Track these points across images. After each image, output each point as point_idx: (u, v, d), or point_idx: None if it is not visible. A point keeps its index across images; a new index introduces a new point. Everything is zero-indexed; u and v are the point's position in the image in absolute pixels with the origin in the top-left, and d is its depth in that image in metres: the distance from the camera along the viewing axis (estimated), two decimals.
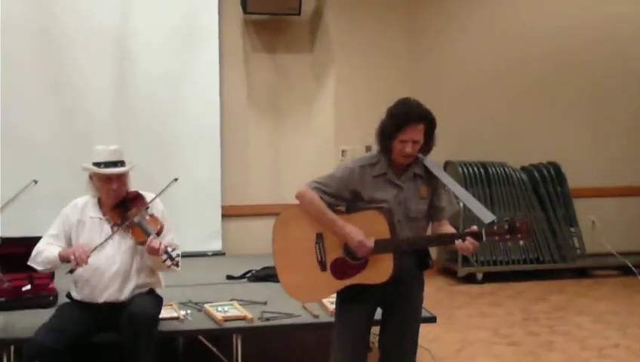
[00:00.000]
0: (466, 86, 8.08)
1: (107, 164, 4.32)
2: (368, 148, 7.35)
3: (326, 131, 7.38)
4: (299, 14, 7.03)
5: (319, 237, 3.64)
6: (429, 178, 3.63)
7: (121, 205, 4.39)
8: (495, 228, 3.38)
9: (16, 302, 4.86)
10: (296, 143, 7.30)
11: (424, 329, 5.46)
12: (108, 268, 4.29)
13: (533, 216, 7.95)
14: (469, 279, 7.79)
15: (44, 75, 6.66)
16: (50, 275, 4.96)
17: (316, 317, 4.70)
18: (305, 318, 4.69)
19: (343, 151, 7.30)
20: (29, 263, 4.35)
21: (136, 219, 4.28)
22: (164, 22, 6.93)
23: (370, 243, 3.49)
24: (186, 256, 4.40)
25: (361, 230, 3.52)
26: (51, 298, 4.96)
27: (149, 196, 4.44)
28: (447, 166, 8.05)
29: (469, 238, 3.40)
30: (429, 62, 7.97)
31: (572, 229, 8.13)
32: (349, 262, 3.58)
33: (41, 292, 4.98)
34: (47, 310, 4.70)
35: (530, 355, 5.47)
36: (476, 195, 7.78)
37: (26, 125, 6.55)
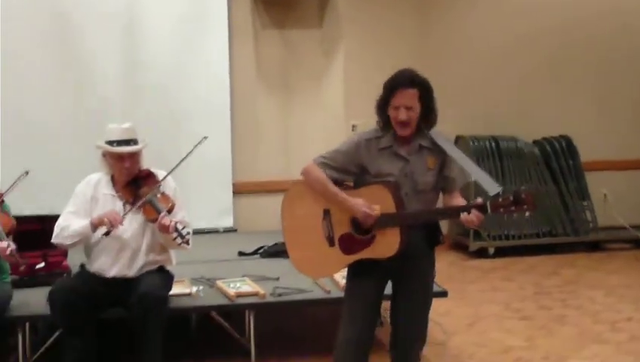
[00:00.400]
0: (475, 61, 8.03)
1: (120, 143, 4.34)
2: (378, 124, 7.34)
3: (336, 106, 7.36)
4: None
5: (326, 213, 3.61)
6: (437, 150, 3.56)
7: (134, 183, 4.42)
8: (500, 200, 3.31)
9: (30, 279, 4.90)
10: (306, 119, 7.29)
11: (435, 304, 5.46)
12: (117, 243, 4.33)
13: (545, 189, 7.93)
14: (481, 253, 7.79)
15: (54, 53, 6.65)
16: (64, 253, 4.99)
17: (328, 292, 4.72)
18: (317, 294, 4.71)
19: (353, 126, 7.27)
20: (53, 241, 4.38)
21: (147, 197, 4.31)
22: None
23: (375, 212, 3.45)
24: (197, 232, 4.44)
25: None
26: (65, 275, 5.00)
27: (161, 174, 4.46)
28: (459, 140, 8.02)
29: (473, 211, 3.35)
30: (438, 38, 7.92)
31: (584, 203, 8.10)
32: (356, 237, 3.56)
33: (55, 270, 5.03)
34: None
35: (543, 329, 5.48)
36: (488, 170, 7.77)
37: (37, 104, 6.56)
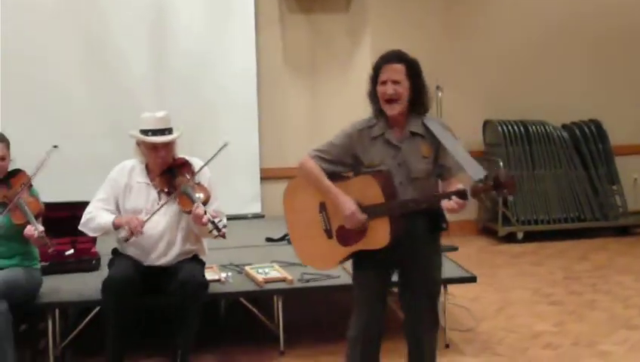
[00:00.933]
0: (505, 44, 7.96)
1: (155, 132, 4.34)
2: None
3: (362, 91, 7.28)
4: None
5: (322, 206, 3.59)
6: (431, 137, 3.47)
7: (169, 172, 4.41)
8: (481, 185, 3.21)
9: (59, 266, 4.95)
10: (333, 104, 7.26)
11: (464, 289, 5.52)
12: (153, 232, 4.34)
13: (575, 174, 7.87)
14: (510, 238, 7.75)
15: (85, 40, 6.70)
16: (93, 239, 5.02)
17: None
18: (344, 279, 4.69)
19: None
20: (80, 228, 4.42)
21: (182, 188, 4.30)
22: None
23: (361, 216, 3.41)
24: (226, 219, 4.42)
25: (357, 196, 3.44)
26: (94, 262, 5.04)
27: (195, 163, 4.45)
28: (487, 125, 7.98)
29: (454, 198, 3.27)
30: (467, 21, 7.86)
31: (614, 187, 8.03)
32: (350, 228, 3.50)
33: (84, 256, 5.07)
34: (90, 273, 4.77)
35: (573, 314, 5.43)
36: (516, 154, 7.74)
37: (69, 90, 6.59)
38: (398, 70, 3.43)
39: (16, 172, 4.41)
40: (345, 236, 3.52)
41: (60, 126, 6.47)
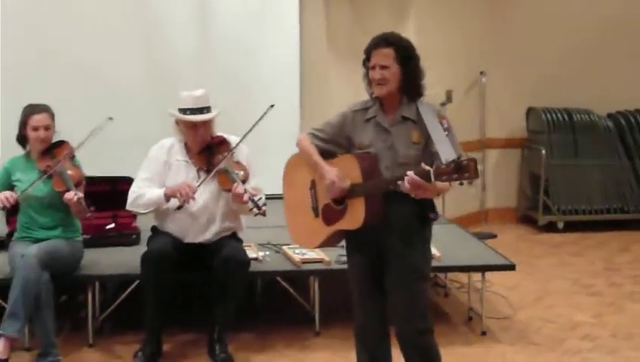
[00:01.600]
0: (550, 30, 7.83)
1: (193, 111, 4.36)
2: (449, 93, 7.25)
3: None
4: None
5: (313, 183, 3.58)
6: (423, 124, 3.34)
7: (207, 150, 4.43)
8: (443, 166, 3.04)
9: (100, 239, 5.00)
10: None
11: (503, 277, 5.48)
12: (193, 211, 4.36)
13: (619, 164, 7.76)
14: (550, 228, 7.68)
15: (125, 20, 6.69)
16: (133, 214, 5.06)
17: None
18: None
19: None
20: (127, 208, 4.46)
21: (222, 166, 4.31)
22: None
23: (343, 183, 3.35)
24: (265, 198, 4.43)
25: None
26: (134, 236, 5.09)
27: (234, 140, 4.46)
28: (530, 112, 7.89)
29: (409, 173, 3.08)
30: (512, 6, 7.75)
31: None
32: (333, 207, 3.46)
33: (124, 231, 5.12)
34: (130, 248, 4.82)
35: (612, 306, 5.37)
36: (560, 142, 7.65)
37: (110, 66, 6.61)
38: (386, 54, 3.35)
39: (60, 143, 4.49)
40: (329, 215, 3.50)
41: (105, 103, 6.50)
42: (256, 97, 6.68)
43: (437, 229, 5.46)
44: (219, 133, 4.49)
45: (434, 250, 4.76)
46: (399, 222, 3.36)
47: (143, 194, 4.36)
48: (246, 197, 4.16)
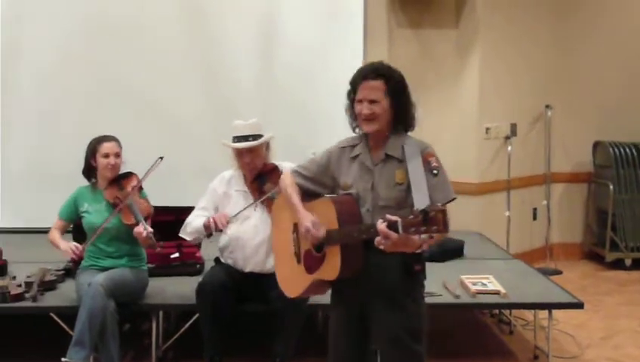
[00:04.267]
0: (616, 64, 7.70)
1: (239, 139, 4.43)
2: (513, 126, 7.19)
3: (470, 108, 7.21)
4: None
5: (295, 226, 3.31)
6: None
7: (259, 178, 4.47)
8: (411, 217, 2.68)
9: (164, 268, 5.06)
10: (441, 120, 7.17)
11: (569, 315, 5.38)
12: (252, 239, 4.41)
13: None
14: (617, 265, 7.50)
15: (188, 49, 6.77)
16: (197, 244, 5.10)
17: (457, 297, 4.63)
18: (445, 298, 4.63)
19: (487, 129, 7.13)
20: (180, 234, 4.51)
21: (269, 194, 4.34)
22: None
23: (319, 232, 3.08)
24: None
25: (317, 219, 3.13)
26: (198, 266, 5.12)
27: (287, 167, 4.47)
28: (597, 146, 7.74)
29: (383, 228, 2.75)
30: (576, 41, 7.62)
31: None
32: (313, 254, 3.19)
33: (189, 260, 5.16)
34: (194, 277, 4.85)
35: None
36: (627, 177, 7.49)
37: (172, 98, 6.70)
38: (375, 87, 3.08)
39: (128, 174, 4.56)
40: (309, 262, 3.22)
41: (171, 132, 6.61)
42: (319, 126, 6.72)
43: (501, 265, 5.48)
44: (274, 161, 4.52)
45: (499, 286, 4.72)
46: (383, 278, 3.05)
47: (190, 223, 4.45)
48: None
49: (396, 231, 2.73)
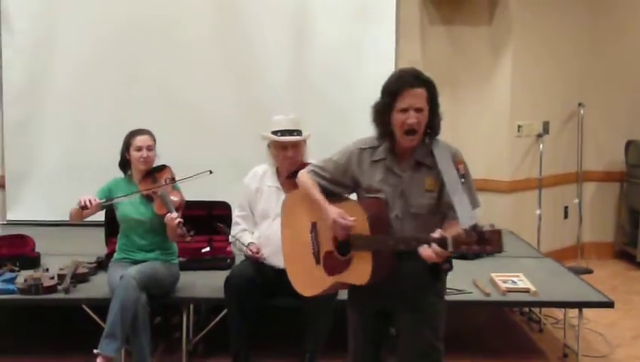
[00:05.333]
0: None
1: (283, 133, 4.44)
2: (545, 124, 7.14)
3: (502, 106, 7.17)
4: None
5: (313, 226, 3.28)
6: (438, 169, 3.03)
7: (294, 175, 4.46)
8: (464, 236, 2.70)
9: (195, 262, 5.10)
10: (473, 117, 7.15)
11: (600, 314, 5.35)
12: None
13: None
14: None
15: (221, 47, 6.79)
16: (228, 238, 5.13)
17: (488, 295, 4.62)
18: (476, 295, 4.62)
19: (519, 127, 7.10)
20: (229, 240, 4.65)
21: None
22: None
23: (347, 221, 3.03)
24: None
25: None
26: (228, 260, 5.16)
27: None
28: (630, 145, 7.67)
29: (434, 245, 2.78)
30: (615, 35, 7.57)
31: None
32: (336, 256, 3.16)
33: (219, 255, 5.20)
34: (225, 272, 4.88)
35: None
36: None
37: (205, 96, 6.73)
38: (420, 96, 3.02)
39: (162, 167, 4.61)
40: (331, 264, 3.19)
41: (203, 128, 6.65)
42: (351, 125, 6.70)
43: (532, 263, 5.45)
44: (310, 160, 4.52)
45: (529, 284, 4.71)
46: (411, 281, 3.05)
47: (236, 241, 4.56)
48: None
49: (445, 247, 2.75)
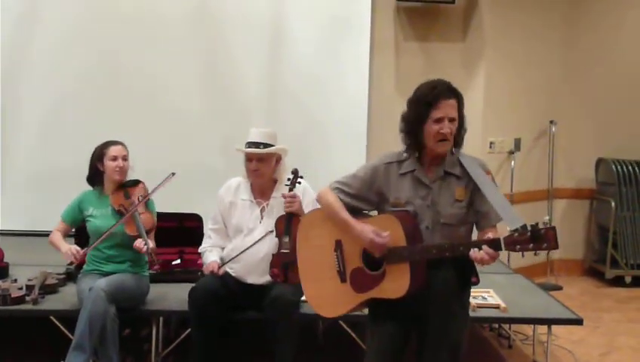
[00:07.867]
0: (625, 78, 7.72)
1: (250, 144, 4.43)
2: (517, 141, 7.20)
3: (474, 122, 7.13)
4: (453, 2, 6.89)
5: (338, 244, 3.29)
6: (467, 178, 3.15)
7: (290, 217, 4.43)
8: (516, 235, 2.82)
9: (165, 275, 5.04)
10: None
11: (569, 331, 5.37)
12: (256, 253, 4.41)
13: None
14: (617, 282, 7.50)
15: (197, 56, 6.78)
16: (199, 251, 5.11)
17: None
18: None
19: (491, 143, 7.15)
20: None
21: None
22: (319, 7, 6.93)
23: (384, 238, 3.07)
24: None
25: None
26: (199, 273, 5.10)
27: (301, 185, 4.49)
28: (600, 163, 7.75)
29: (485, 247, 2.89)
30: (586, 54, 7.67)
31: None
32: (367, 272, 3.20)
33: (190, 267, 5.16)
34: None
35: None
36: (629, 195, 7.49)
37: (178, 104, 6.69)
38: (453, 106, 3.14)
39: (136, 183, 4.57)
40: (360, 281, 3.21)
41: (175, 139, 6.62)
42: (327, 135, 6.73)
43: (502, 279, 5.47)
44: (289, 176, 4.50)
45: (499, 300, 4.72)
46: (440, 288, 3.08)
47: (207, 257, 4.54)
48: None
49: (498, 249, 2.87)
